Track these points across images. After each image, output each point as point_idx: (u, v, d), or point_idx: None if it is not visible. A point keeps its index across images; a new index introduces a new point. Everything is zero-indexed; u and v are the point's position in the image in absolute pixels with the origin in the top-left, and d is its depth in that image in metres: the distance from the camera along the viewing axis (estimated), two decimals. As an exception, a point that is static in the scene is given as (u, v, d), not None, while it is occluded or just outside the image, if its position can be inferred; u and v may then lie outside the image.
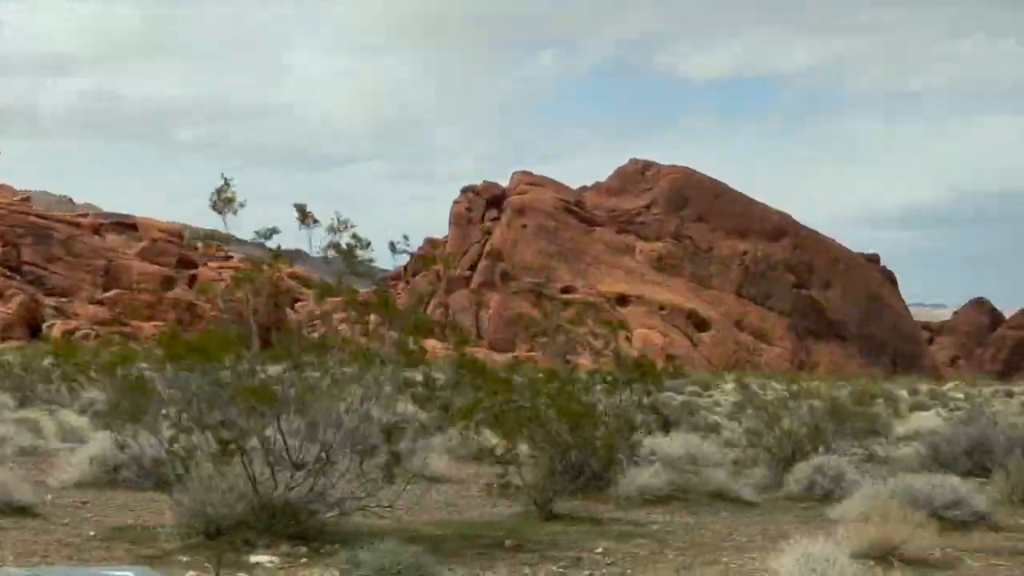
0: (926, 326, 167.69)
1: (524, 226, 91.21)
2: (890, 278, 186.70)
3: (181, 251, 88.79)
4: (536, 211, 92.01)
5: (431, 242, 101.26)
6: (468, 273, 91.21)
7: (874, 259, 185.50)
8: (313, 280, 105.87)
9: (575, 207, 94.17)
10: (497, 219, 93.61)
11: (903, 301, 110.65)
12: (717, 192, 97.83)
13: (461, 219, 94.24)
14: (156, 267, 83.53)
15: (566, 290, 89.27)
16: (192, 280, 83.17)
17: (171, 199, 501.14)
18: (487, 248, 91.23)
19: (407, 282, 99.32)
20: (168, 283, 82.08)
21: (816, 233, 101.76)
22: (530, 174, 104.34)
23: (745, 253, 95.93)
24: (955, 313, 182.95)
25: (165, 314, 75.14)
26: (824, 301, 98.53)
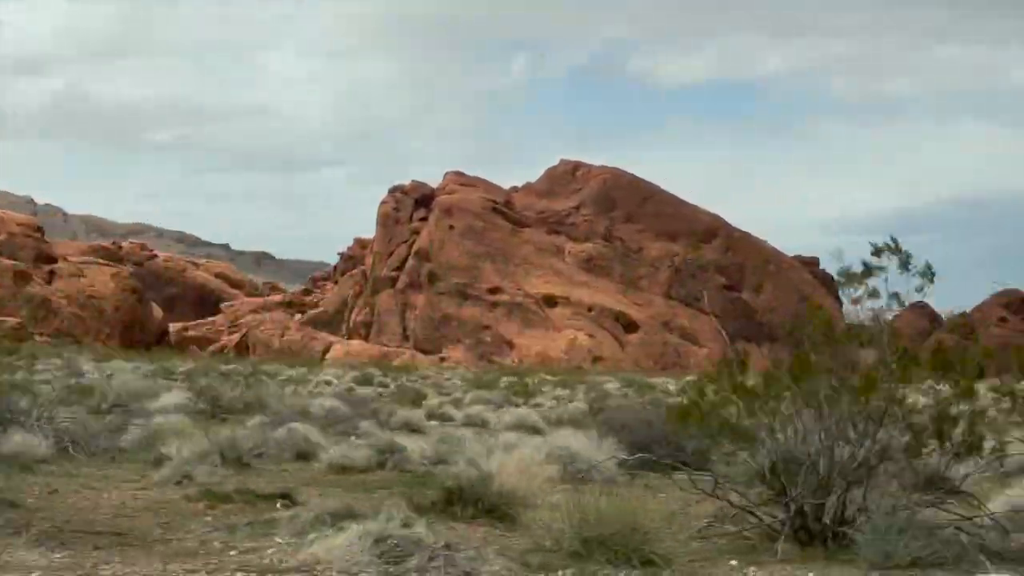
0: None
1: (451, 227, 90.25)
2: (828, 281, 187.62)
3: (40, 246, 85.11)
4: (464, 211, 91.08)
5: (360, 242, 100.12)
6: (395, 274, 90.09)
7: (812, 262, 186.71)
8: (240, 280, 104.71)
9: (504, 208, 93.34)
10: (425, 219, 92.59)
11: (837, 303, 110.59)
12: (647, 193, 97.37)
13: (388, 219, 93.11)
14: (11, 262, 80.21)
15: (493, 291, 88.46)
16: (51, 275, 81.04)
17: (140, 200, 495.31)
18: (414, 248, 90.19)
19: (336, 282, 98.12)
20: (23, 278, 79.28)
21: (748, 235, 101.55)
22: (462, 174, 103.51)
23: (675, 255, 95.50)
24: (895, 316, 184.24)
25: (18, 309, 73.49)
26: (754, 303, 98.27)
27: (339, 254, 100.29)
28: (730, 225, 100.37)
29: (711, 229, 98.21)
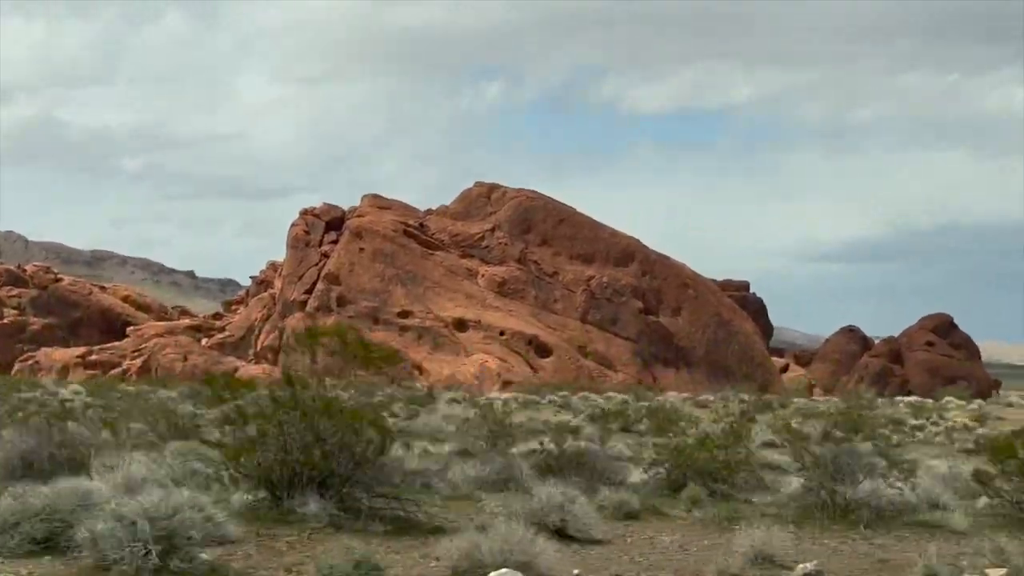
0: (799, 354, 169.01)
1: (361, 249, 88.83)
2: (757, 305, 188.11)
3: None
4: (374, 234, 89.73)
5: (273, 266, 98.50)
6: (304, 297, 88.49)
7: (743, 286, 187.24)
8: (147, 303, 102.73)
9: (416, 230, 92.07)
10: (336, 242, 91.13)
11: (757, 327, 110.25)
12: (562, 216, 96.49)
13: (299, 242, 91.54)
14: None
15: (403, 314, 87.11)
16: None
17: (107, 227, 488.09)
18: (324, 272, 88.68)
19: (247, 305, 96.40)
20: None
21: (665, 258, 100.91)
22: (380, 197, 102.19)
23: (591, 278, 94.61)
24: (826, 341, 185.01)
25: None
26: (672, 327, 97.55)
27: (251, 278, 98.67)
28: (647, 248, 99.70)
29: (628, 252, 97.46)
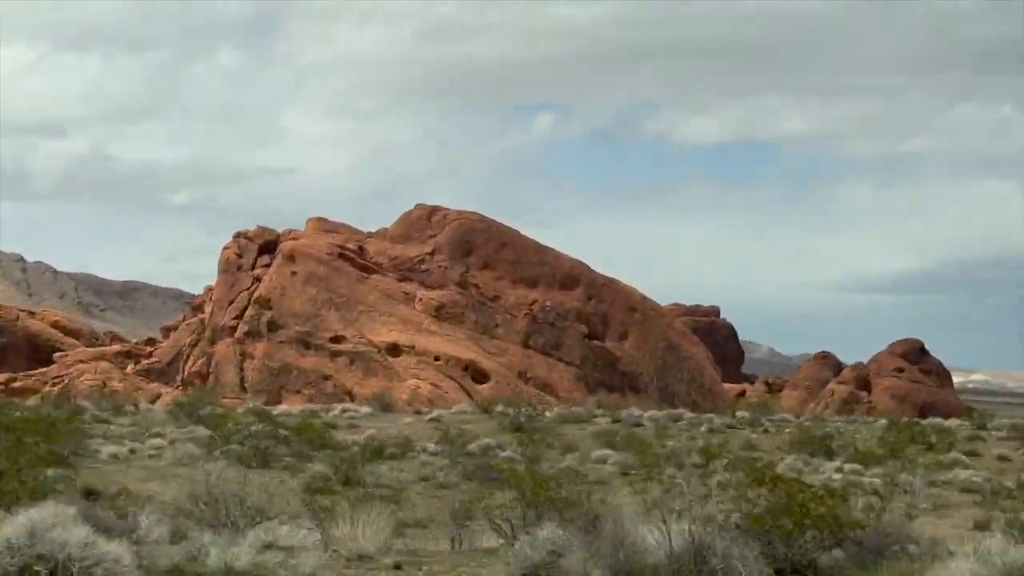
0: (771, 380, 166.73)
1: (294, 273, 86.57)
2: (730, 332, 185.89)
3: None
4: (307, 257, 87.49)
5: (210, 291, 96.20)
6: (235, 322, 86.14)
7: (713, 311, 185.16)
8: (76, 329, 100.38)
9: (353, 254, 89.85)
10: (268, 266, 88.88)
11: (708, 353, 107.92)
12: (505, 239, 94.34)
13: (231, 265, 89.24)
14: None
15: (336, 339, 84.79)
16: None
17: (158, 261, 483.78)
18: (255, 296, 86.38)
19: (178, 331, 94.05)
20: None
21: (613, 282, 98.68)
22: (325, 220, 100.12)
23: (534, 302, 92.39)
24: (800, 367, 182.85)
25: None
26: (618, 352, 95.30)
27: (188, 303, 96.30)
28: (594, 271, 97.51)
29: (573, 276, 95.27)
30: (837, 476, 26.97)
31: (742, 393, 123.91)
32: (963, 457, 33.28)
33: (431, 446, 33.14)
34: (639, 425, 46.11)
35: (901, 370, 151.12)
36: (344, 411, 52.65)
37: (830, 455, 32.26)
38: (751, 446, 38.03)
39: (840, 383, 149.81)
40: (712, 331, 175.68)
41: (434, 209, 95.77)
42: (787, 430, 41.63)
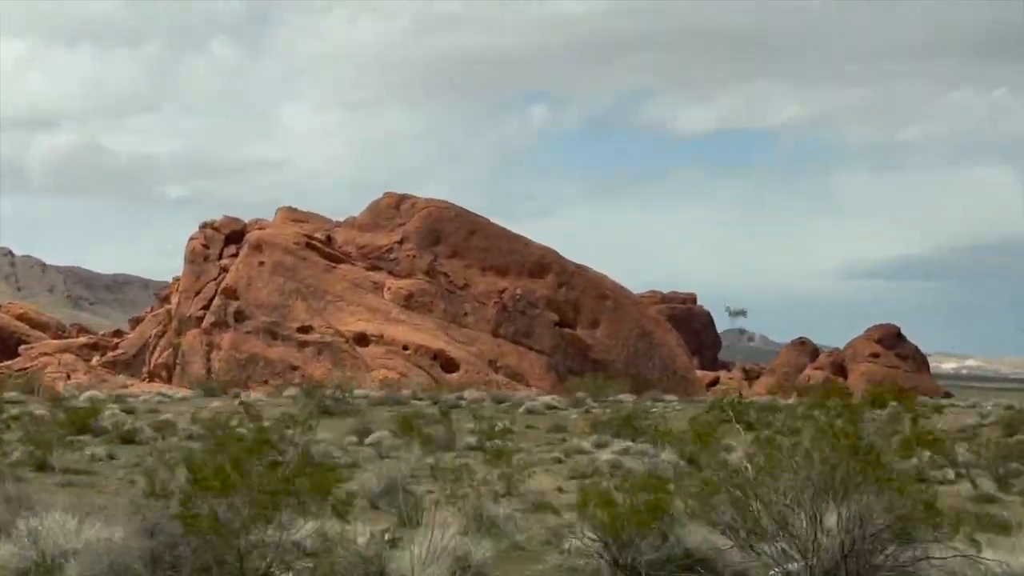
0: (748, 367, 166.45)
1: (261, 263, 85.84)
2: (706, 319, 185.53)
3: None
4: (274, 247, 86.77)
5: (176, 281, 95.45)
6: (201, 313, 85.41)
7: (690, 298, 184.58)
8: (44, 321, 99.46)
9: (321, 243, 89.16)
10: (235, 256, 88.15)
11: (680, 339, 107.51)
12: (474, 227, 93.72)
13: (197, 256, 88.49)
14: None
15: (303, 329, 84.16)
16: None
17: (155, 255, 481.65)
18: (221, 286, 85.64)
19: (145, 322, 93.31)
20: None
21: (584, 269, 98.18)
22: (295, 210, 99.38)
23: (504, 291, 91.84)
24: (777, 354, 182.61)
25: None
26: (590, 339, 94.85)
27: (155, 295, 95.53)
28: (564, 259, 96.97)
29: (543, 263, 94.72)
30: (606, 458, 26.87)
31: (715, 380, 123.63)
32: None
33: (194, 429, 32.09)
34: (456, 406, 45.53)
35: (877, 355, 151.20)
36: (158, 394, 53.40)
37: (634, 435, 31.63)
38: (559, 427, 37.34)
39: (816, 368, 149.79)
40: (689, 318, 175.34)
41: (403, 197, 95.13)
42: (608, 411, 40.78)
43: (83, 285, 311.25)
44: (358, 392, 50.22)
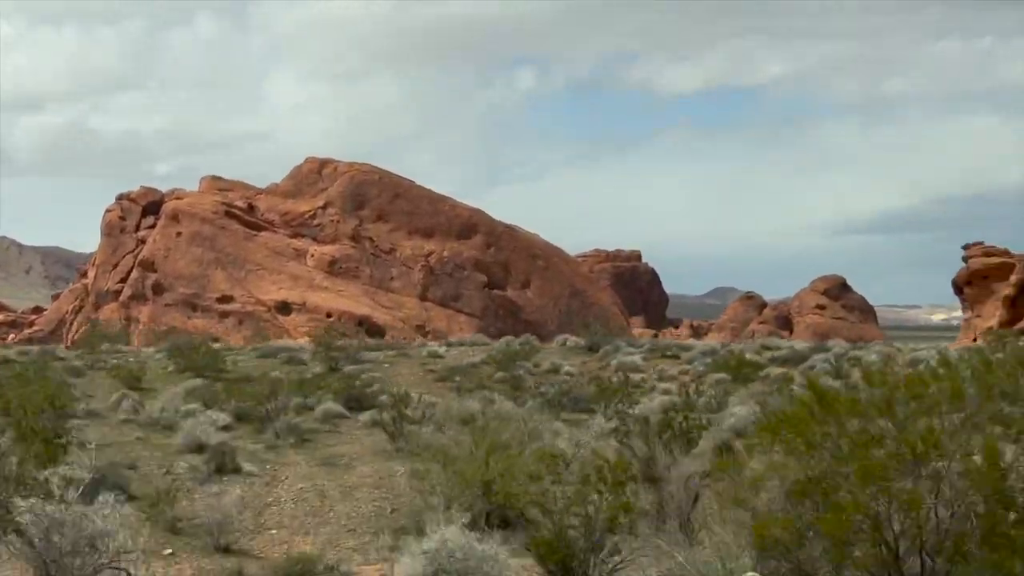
0: (696, 324, 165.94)
1: (179, 233, 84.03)
2: (652, 277, 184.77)
3: None
4: (192, 217, 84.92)
5: (94, 255, 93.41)
6: (119, 286, 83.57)
7: (635, 256, 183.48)
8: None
9: (240, 211, 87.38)
10: (153, 227, 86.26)
11: (616, 298, 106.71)
12: (399, 190, 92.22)
13: (114, 228, 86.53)
14: None
15: (223, 300, 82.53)
16: None
17: None
18: (139, 258, 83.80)
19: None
20: None
21: (513, 229, 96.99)
22: (220, 179, 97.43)
23: (430, 254, 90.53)
24: (725, 309, 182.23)
25: None
26: (521, 300, 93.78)
27: (76, 269, 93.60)
28: (493, 220, 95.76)
29: (470, 225, 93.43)
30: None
31: (655, 337, 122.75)
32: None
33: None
34: (298, 363, 41.85)
35: (823, 307, 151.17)
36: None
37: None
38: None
39: (761, 323, 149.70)
40: (635, 276, 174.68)
41: (325, 161, 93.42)
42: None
43: (62, 265, 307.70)
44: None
